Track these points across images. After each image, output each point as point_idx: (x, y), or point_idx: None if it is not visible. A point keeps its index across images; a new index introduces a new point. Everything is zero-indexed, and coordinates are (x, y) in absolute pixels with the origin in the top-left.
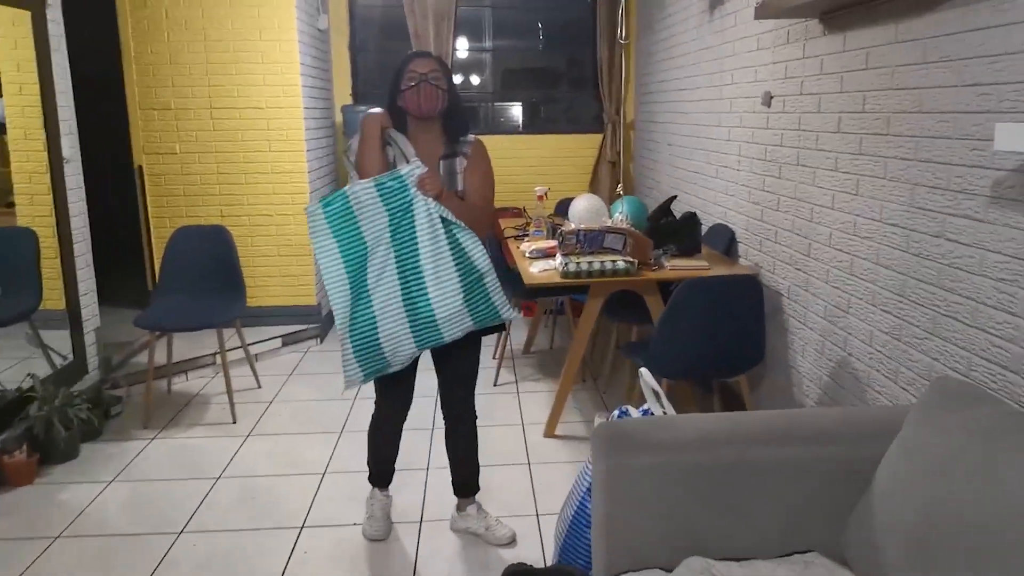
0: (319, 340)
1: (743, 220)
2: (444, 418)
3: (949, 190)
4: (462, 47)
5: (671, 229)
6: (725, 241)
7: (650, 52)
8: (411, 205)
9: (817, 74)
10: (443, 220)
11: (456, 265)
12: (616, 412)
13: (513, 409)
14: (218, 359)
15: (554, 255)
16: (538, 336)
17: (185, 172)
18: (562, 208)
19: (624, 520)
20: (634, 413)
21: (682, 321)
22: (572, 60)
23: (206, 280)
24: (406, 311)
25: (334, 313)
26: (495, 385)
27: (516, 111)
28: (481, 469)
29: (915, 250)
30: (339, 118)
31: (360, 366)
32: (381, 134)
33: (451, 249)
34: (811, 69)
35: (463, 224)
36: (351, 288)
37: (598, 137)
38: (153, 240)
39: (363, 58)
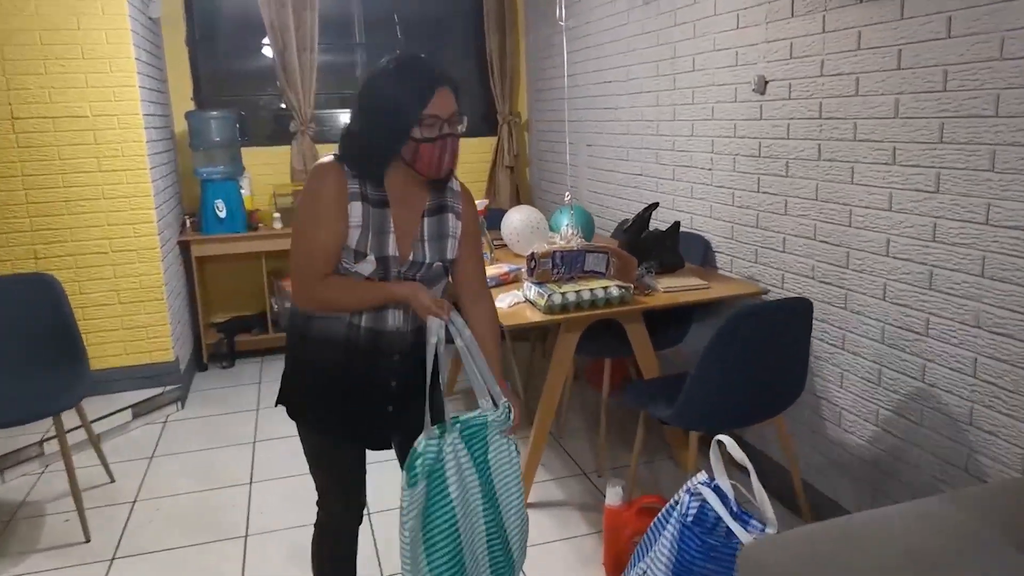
0: (179, 405)
1: (722, 227)
2: None
3: None
4: (330, 43)
5: (654, 243)
6: (699, 251)
7: (549, 43)
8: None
9: (853, 50)
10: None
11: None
12: (686, 496)
13: None
14: (46, 448)
15: (508, 281)
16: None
17: None
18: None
19: None
20: (710, 496)
21: (727, 360)
22: (458, 54)
23: (29, 351)
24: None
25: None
26: None
27: None
28: None
29: None
30: (180, 126)
31: None
32: (340, 198)
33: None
34: (839, 44)
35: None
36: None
37: (491, 140)
38: None
39: (206, 55)
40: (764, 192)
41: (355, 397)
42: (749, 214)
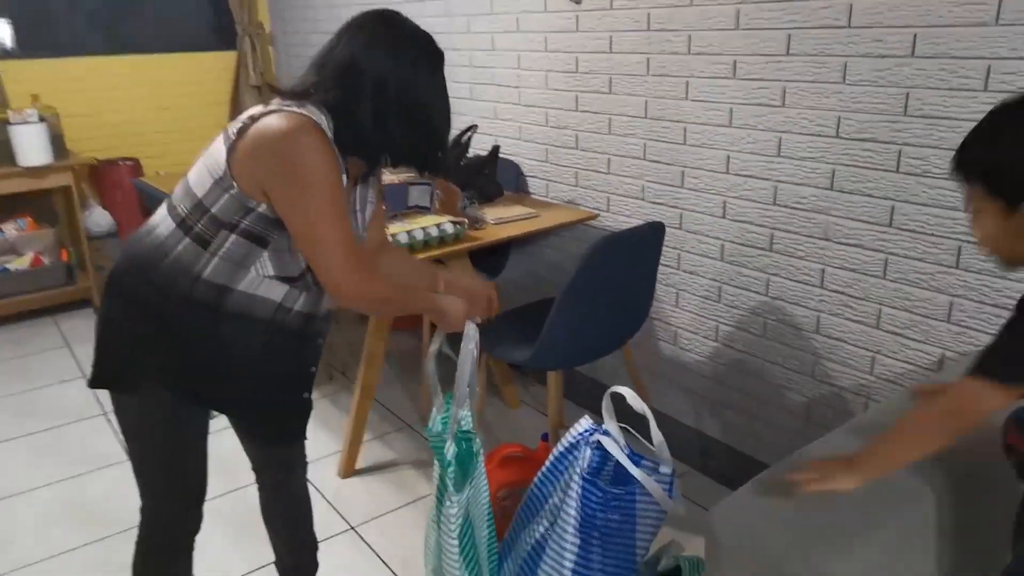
0: None
1: (535, 149)
2: (259, 487)
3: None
4: None
5: (473, 171)
6: (512, 177)
7: None
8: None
9: None
10: None
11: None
12: (586, 448)
13: None
14: None
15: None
16: None
17: None
18: None
19: None
20: (611, 445)
21: (588, 294)
22: None
23: None
24: None
25: None
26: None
27: (96, 20)
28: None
29: (905, 167)
30: None
31: None
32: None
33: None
34: None
35: None
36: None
37: (230, 55)
38: None
39: None
40: (584, 111)
41: (273, 384)
42: (567, 135)
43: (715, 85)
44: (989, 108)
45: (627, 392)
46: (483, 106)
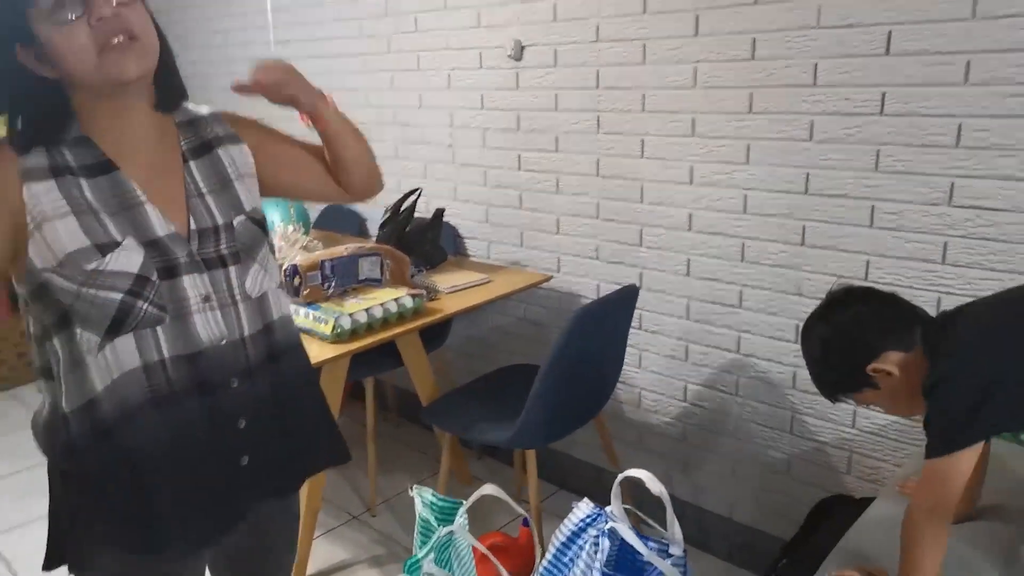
0: None
1: (472, 210)
2: None
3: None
4: None
5: (418, 237)
6: (449, 239)
7: None
8: None
9: (637, 14)
10: None
11: None
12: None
13: None
14: None
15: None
16: None
17: None
18: None
19: None
20: (627, 534)
21: (568, 368)
22: None
23: None
24: None
25: None
26: None
27: None
28: None
29: (880, 222)
30: None
31: None
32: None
33: None
34: (619, 8)
35: None
36: None
37: None
38: None
39: None
40: (528, 170)
41: (193, 468)
42: (509, 194)
43: (673, 143)
44: (960, 164)
45: (645, 476)
46: (412, 166)
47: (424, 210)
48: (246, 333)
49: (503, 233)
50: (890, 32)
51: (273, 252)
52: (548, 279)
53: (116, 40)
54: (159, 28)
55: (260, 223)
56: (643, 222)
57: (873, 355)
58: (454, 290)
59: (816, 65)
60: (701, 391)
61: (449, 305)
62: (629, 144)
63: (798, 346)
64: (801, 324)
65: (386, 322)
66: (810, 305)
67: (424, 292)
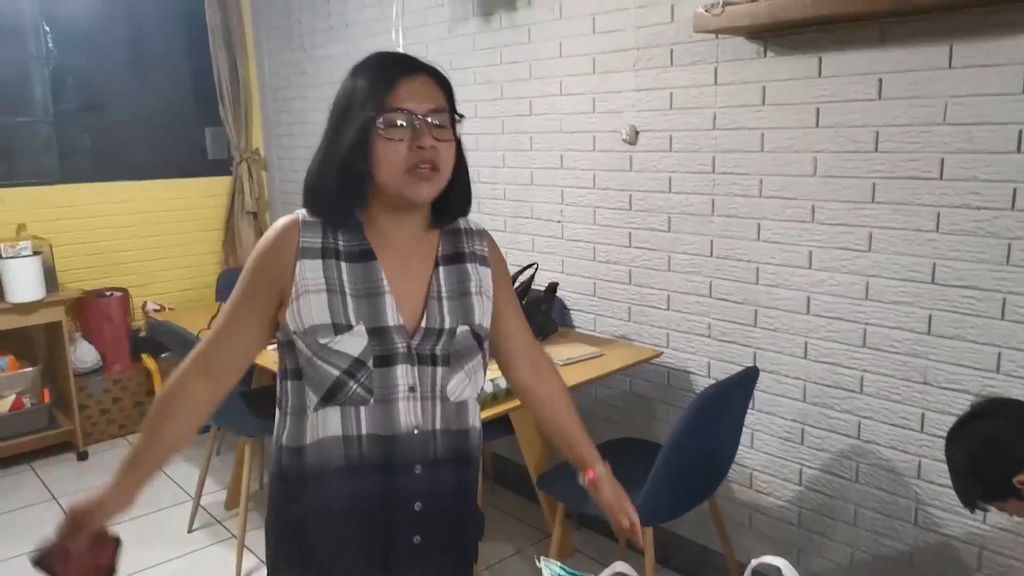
0: None
1: (580, 283)
2: None
3: None
4: None
5: (532, 309)
6: (556, 311)
7: (299, 70)
8: None
9: (756, 104)
10: None
11: None
12: None
13: None
14: None
15: None
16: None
17: None
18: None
19: None
20: None
21: (689, 447)
22: (173, 75)
23: None
24: None
25: None
26: None
27: (88, 147)
28: None
29: (1011, 315)
30: None
31: None
32: (278, 257)
33: None
34: (736, 99)
35: None
36: None
37: (224, 180)
38: None
39: None
40: (639, 247)
41: (367, 535)
42: (618, 270)
43: (791, 228)
44: None
45: (782, 564)
46: (522, 239)
47: (537, 283)
48: (438, 427)
49: (611, 307)
50: (1020, 131)
51: (485, 367)
52: (658, 355)
53: (422, 169)
54: (463, 156)
55: (480, 337)
56: (758, 303)
57: (1022, 467)
58: (568, 363)
59: (943, 160)
60: (818, 475)
61: (567, 377)
62: (745, 227)
63: (923, 435)
64: (927, 413)
65: (495, 397)
66: (936, 395)
67: None
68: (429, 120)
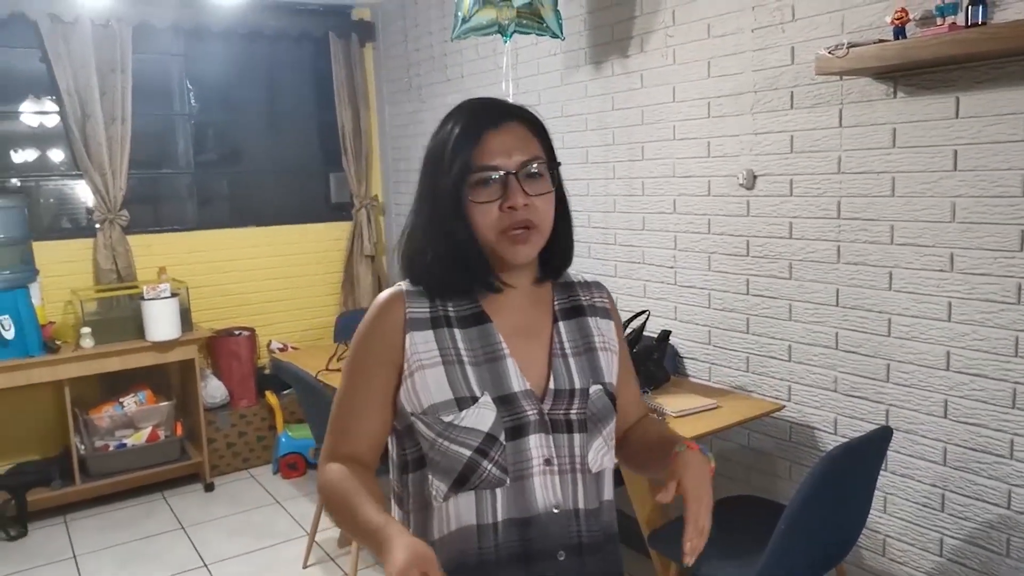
0: None
1: (694, 331)
2: None
3: None
4: (147, 111)
5: (646, 356)
6: (669, 359)
7: (415, 119)
8: None
9: (886, 147)
10: None
11: None
12: None
13: None
14: None
15: None
16: None
17: None
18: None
19: None
20: None
21: (815, 510)
22: (302, 129)
23: None
24: None
25: None
26: None
27: (223, 196)
28: None
29: None
30: None
31: None
32: (387, 336)
33: None
34: (863, 141)
35: None
36: None
37: (345, 226)
38: None
39: None
40: (757, 295)
41: None
42: (735, 318)
43: (927, 277)
44: None
45: None
46: (633, 285)
47: (649, 330)
48: (581, 506)
49: (727, 356)
50: None
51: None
52: (780, 408)
53: (515, 232)
54: (566, 204)
55: (614, 398)
56: (891, 356)
57: None
58: (682, 414)
59: None
60: (962, 547)
61: (678, 431)
62: (875, 276)
63: None
64: None
65: None
66: None
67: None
68: (520, 174)
